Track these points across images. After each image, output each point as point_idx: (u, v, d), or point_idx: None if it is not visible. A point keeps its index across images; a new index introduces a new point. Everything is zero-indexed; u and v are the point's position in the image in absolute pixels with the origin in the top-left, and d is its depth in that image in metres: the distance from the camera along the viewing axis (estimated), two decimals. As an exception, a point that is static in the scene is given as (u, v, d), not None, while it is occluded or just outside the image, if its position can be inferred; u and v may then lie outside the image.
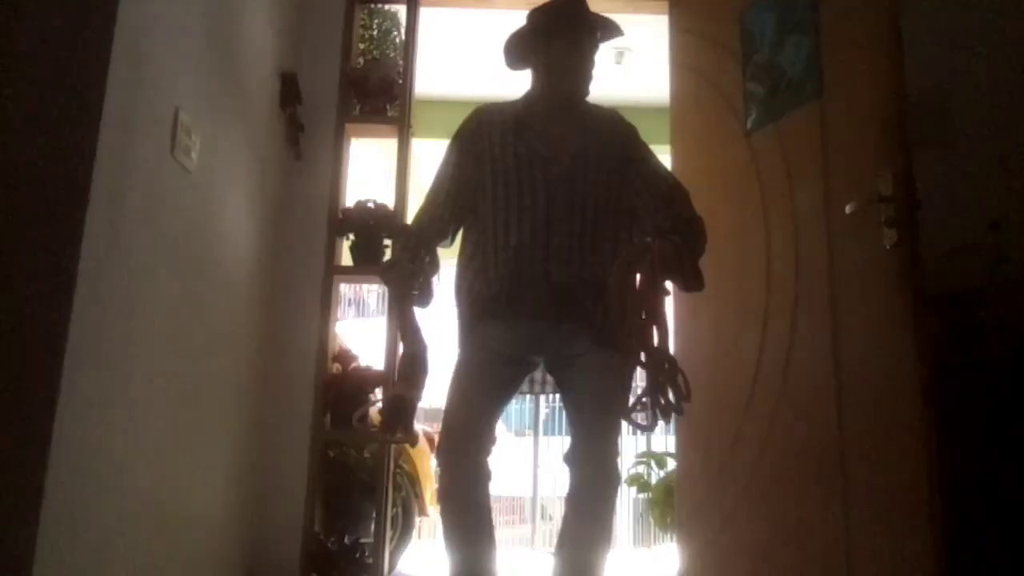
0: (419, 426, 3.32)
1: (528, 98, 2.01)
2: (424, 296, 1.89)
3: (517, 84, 2.04)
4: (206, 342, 2.22)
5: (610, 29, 2.01)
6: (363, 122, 2.93)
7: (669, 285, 1.76)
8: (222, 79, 2.29)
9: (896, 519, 1.76)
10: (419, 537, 3.82)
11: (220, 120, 2.26)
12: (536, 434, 6.49)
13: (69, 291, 1.50)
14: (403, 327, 1.86)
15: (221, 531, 2.37)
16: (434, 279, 1.93)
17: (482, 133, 1.95)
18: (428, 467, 3.40)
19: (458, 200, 1.95)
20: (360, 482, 2.76)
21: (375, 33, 3.37)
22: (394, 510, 2.91)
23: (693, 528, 2.45)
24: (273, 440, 2.65)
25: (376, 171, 3.71)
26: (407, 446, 3.13)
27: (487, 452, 1.77)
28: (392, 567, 3.00)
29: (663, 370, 1.69)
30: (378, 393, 2.72)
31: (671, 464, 4.59)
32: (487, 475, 1.76)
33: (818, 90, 2.12)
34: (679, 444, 2.61)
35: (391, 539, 2.85)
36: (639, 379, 1.83)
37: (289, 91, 2.77)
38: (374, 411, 2.77)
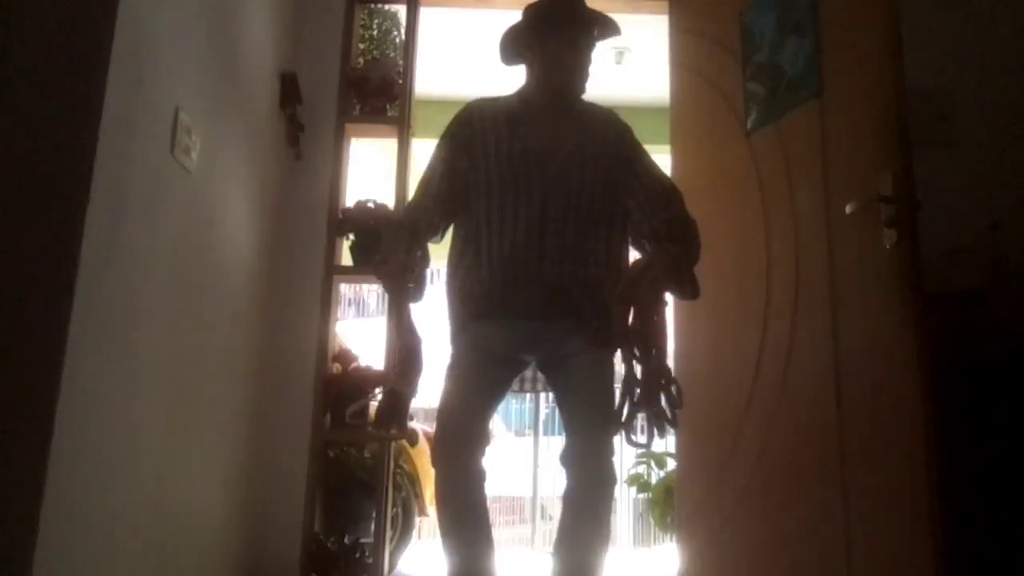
0: (419, 426, 3.32)
1: (522, 94, 1.99)
2: (418, 290, 1.87)
3: (517, 84, 2.04)
4: (206, 342, 2.22)
5: (608, 27, 2.00)
6: (363, 122, 2.92)
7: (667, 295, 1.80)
8: (222, 79, 2.29)
9: (896, 519, 1.76)
10: (419, 537, 3.82)
11: (220, 120, 2.26)
12: (536, 434, 6.49)
13: (69, 291, 1.50)
14: (398, 321, 1.85)
15: (221, 531, 2.37)
16: (426, 274, 1.91)
17: (475, 128, 1.93)
18: (428, 467, 3.40)
19: (450, 195, 1.92)
20: (360, 482, 2.76)
21: (375, 33, 3.36)
22: (394, 510, 2.91)
23: (693, 528, 2.45)
24: (273, 440, 2.66)
25: (376, 171, 3.71)
26: (407, 446, 3.13)
27: (482, 453, 1.77)
28: (392, 567, 3.00)
29: (659, 385, 1.72)
30: (377, 393, 2.72)
31: (671, 464, 4.59)
32: (483, 475, 1.76)
33: (818, 90, 2.12)
34: (679, 444, 2.61)
35: (391, 539, 2.85)
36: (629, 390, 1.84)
37: (289, 91, 2.77)
38: (373, 410, 2.77)
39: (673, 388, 1.74)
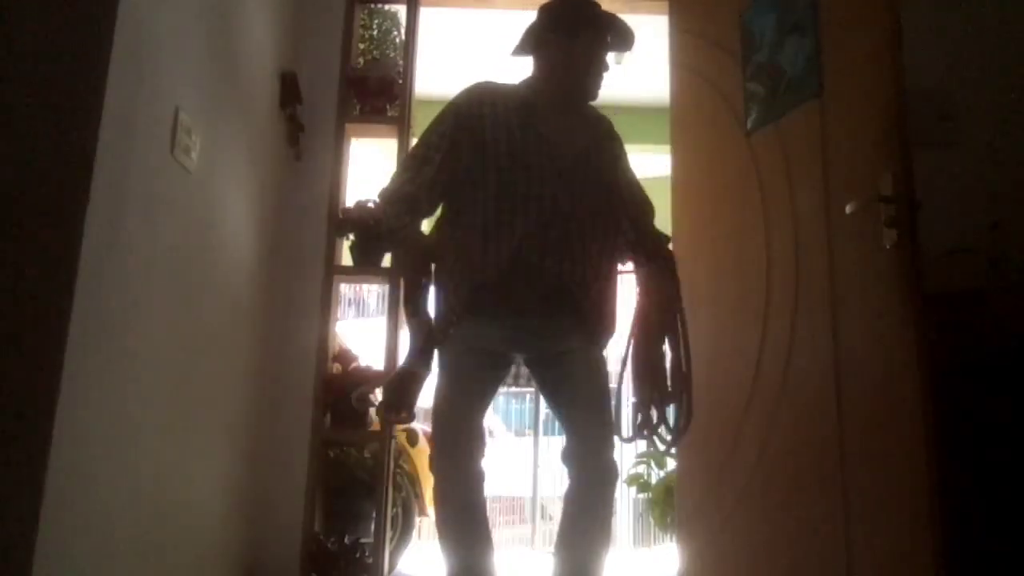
0: (419, 426, 3.32)
1: (532, 87, 1.97)
2: (430, 271, 1.88)
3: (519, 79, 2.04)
4: (206, 342, 2.22)
5: (623, 40, 2.00)
6: (363, 122, 2.92)
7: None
8: (222, 79, 2.29)
9: (896, 519, 1.76)
10: (419, 537, 3.82)
11: (220, 120, 2.26)
12: (536, 434, 6.49)
13: (69, 291, 1.50)
14: (414, 300, 1.84)
15: (221, 531, 2.37)
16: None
17: (483, 114, 1.88)
18: (428, 467, 3.40)
19: (448, 169, 1.86)
20: (360, 482, 2.76)
21: (375, 33, 3.36)
22: (394, 510, 2.91)
23: (693, 528, 2.45)
24: (273, 440, 2.66)
25: (376, 171, 3.70)
26: (407, 446, 3.13)
27: (481, 454, 1.77)
28: (392, 567, 3.00)
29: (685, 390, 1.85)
30: (378, 394, 2.72)
31: (671, 464, 4.59)
32: (482, 476, 1.76)
33: (818, 90, 2.12)
34: (679, 444, 2.61)
35: (391, 539, 2.85)
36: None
37: (289, 91, 2.77)
38: (373, 410, 2.77)
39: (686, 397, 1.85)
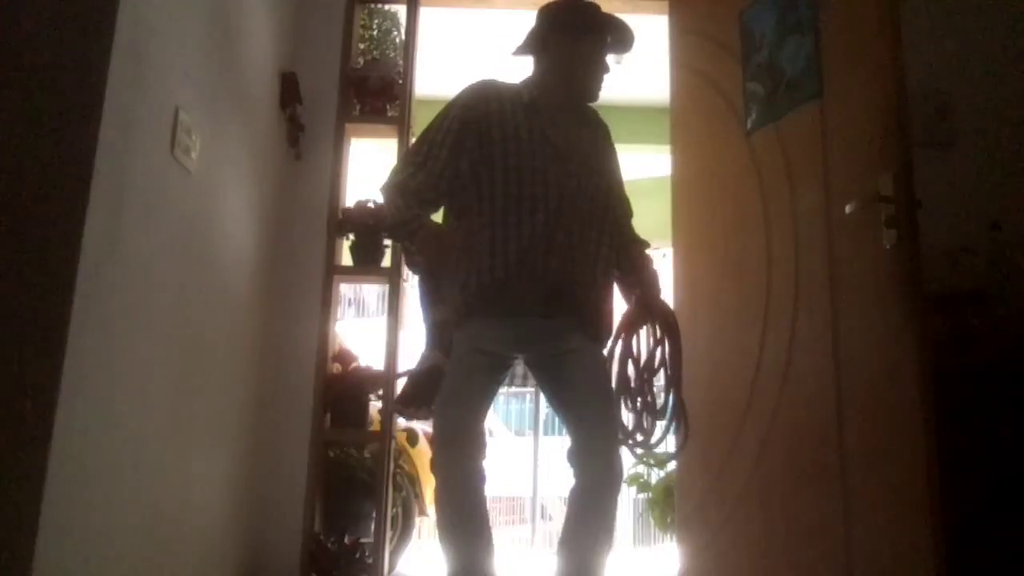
0: (420, 426, 3.32)
1: (536, 87, 1.96)
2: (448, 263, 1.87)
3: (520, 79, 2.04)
4: (206, 342, 2.22)
5: (622, 41, 2.00)
6: (363, 122, 2.92)
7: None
8: (222, 79, 2.29)
9: (896, 518, 1.76)
10: (419, 537, 3.82)
11: (220, 120, 2.26)
12: (536, 434, 6.49)
13: (69, 291, 1.50)
14: (431, 293, 1.84)
15: (221, 531, 2.37)
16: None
17: (489, 112, 1.88)
18: (428, 467, 3.40)
19: (454, 166, 1.86)
20: (360, 482, 2.76)
21: (375, 33, 3.37)
22: (394, 510, 2.91)
23: (693, 528, 2.45)
24: (273, 440, 2.65)
25: (376, 171, 3.70)
26: (407, 446, 3.13)
27: (482, 454, 1.77)
28: (392, 567, 3.00)
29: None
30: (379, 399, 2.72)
31: (671, 464, 4.59)
32: (482, 477, 1.76)
33: (818, 90, 2.12)
34: (678, 458, 2.61)
35: (391, 539, 2.85)
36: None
37: (289, 91, 2.77)
38: (374, 410, 2.77)
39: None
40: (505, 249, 1.80)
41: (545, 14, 1.98)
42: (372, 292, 8.19)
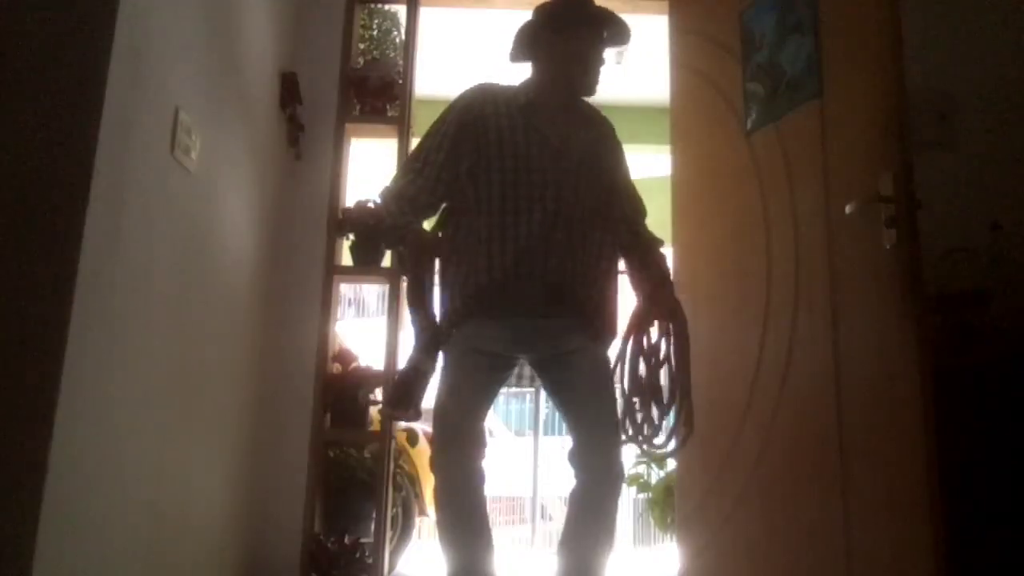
0: (420, 426, 3.32)
1: (533, 88, 1.96)
2: (434, 267, 1.89)
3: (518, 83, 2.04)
4: (206, 342, 2.22)
5: (619, 34, 1.99)
6: (363, 122, 2.92)
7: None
8: (222, 79, 2.29)
9: (896, 518, 1.76)
10: (419, 537, 3.82)
11: (220, 120, 2.26)
12: (536, 434, 6.49)
13: (69, 291, 1.50)
14: (418, 295, 1.84)
15: (221, 531, 2.37)
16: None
17: (485, 115, 1.88)
18: (428, 467, 3.40)
19: (450, 171, 1.87)
20: (360, 482, 2.76)
21: (375, 33, 3.36)
22: (394, 510, 2.91)
23: (693, 528, 2.45)
24: (273, 440, 2.65)
25: (376, 171, 3.71)
26: (407, 446, 3.13)
27: (482, 454, 1.76)
28: (392, 567, 3.00)
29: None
30: (378, 394, 2.72)
31: (671, 464, 4.59)
32: (482, 476, 1.76)
33: (818, 90, 2.12)
34: (677, 454, 2.61)
35: (391, 539, 2.84)
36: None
37: (289, 91, 2.77)
38: (373, 410, 2.77)
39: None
40: (503, 250, 1.80)
41: (537, 13, 1.97)
42: (372, 292, 8.20)
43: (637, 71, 4.62)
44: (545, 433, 6.62)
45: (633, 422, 1.87)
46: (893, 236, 1.83)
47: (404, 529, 3.22)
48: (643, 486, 5.05)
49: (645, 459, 5.07)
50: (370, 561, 2.55)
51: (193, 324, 2.12)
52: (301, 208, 2.82)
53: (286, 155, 2.82)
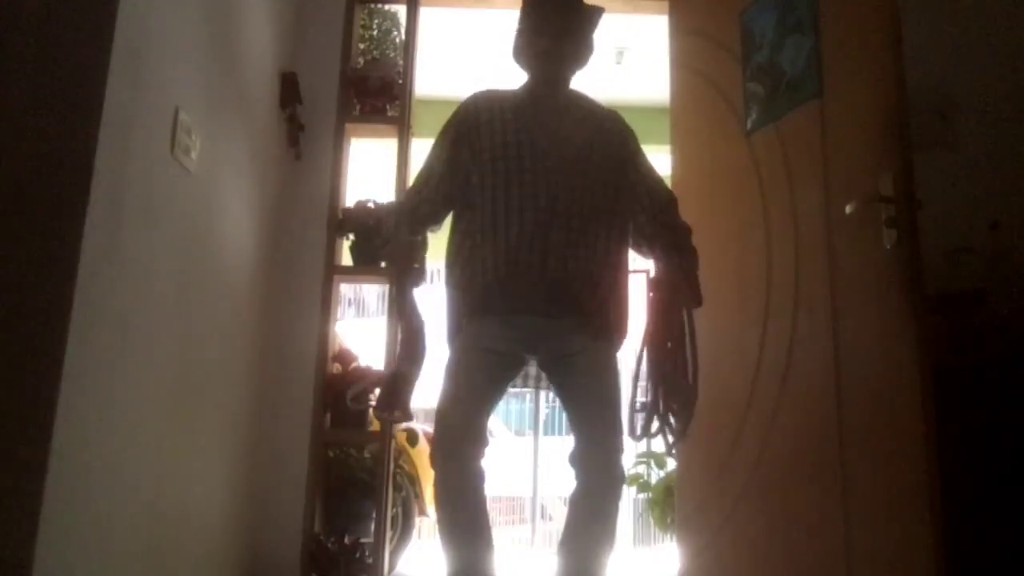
0: (419, 426, 3.32)
1: (525, 87, 1.99)
2: (422, 274, 1.91)
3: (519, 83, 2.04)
4: (206, 342, 2.22)
5: (586, 16, 1.97)
6: (363, 122, 2.93)
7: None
8: (222, 79, 2.29)
9: (896, 519, 1.76)
10: (419, 537, 3.82)
11: (220, 120, 2.26)
12: (536, 434, 6.50)
13: (69, 291, 1.50)
14: (401, 303, 1.87)
15: (221, 531, 2.37)
16: (426, 259, 1.95)
17: (479, 120, 1.92)
18: (428, 467, 3.40)
19: (450, 184, 1.92)
20: (360, 482, 2.76)
21: (375, 33, 3.37)
22: (394, 510, 2.91)
23: (693, 528, 2.45)
24: (273, 440, 2.66)
25: (376, 171, 3.71)
26: (407, 446, 3.13)
27: (482, 453, 1.76)
28: (392, 567, 3.00)
29: (681, 399, 1.82)
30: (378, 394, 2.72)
31: (671, 464, 4.59)
32: (482, 475, 1.76)
33: (818, 90, 2.12)
34: (679, 445, 2.61)
35: (391, 539, 2.85)
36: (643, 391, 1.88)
37: (289, 91, 2.77)
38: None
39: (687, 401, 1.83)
40: (495, 251, 1.82)
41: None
42: (372, 292, 8.20)
43: (637, 71, 4.63)
44: (545, 433, 6.63)
45: (652, 419, 1.84)
46: (893, 236, 1.83)
47: (404, 529, 3.22)
48: (643, 486, 5.05)
49: (645, 459, 5.08)
50: (370, 561, 2.55)
51: (193, 324, 2.12)
52: (301, 208, 2.82)
53: (286, 155, 2.82)
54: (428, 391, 1.93)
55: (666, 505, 4.58)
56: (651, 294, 1.89)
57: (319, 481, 2.65)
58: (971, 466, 1.98)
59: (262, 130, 2.64)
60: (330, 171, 2.82)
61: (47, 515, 1.44)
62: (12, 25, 1.60)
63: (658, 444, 1.94)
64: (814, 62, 2.15)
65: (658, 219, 1.93)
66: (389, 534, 2.71)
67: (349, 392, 2.58)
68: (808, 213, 2.13)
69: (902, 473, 1.75)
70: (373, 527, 2.61)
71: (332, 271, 2.77)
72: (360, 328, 6.50)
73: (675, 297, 1.85)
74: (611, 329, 1.87)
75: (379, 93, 2.90)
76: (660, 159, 2.07)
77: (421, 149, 3.40)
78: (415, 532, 3.45)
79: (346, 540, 2.56)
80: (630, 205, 1.93)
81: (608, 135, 1.97)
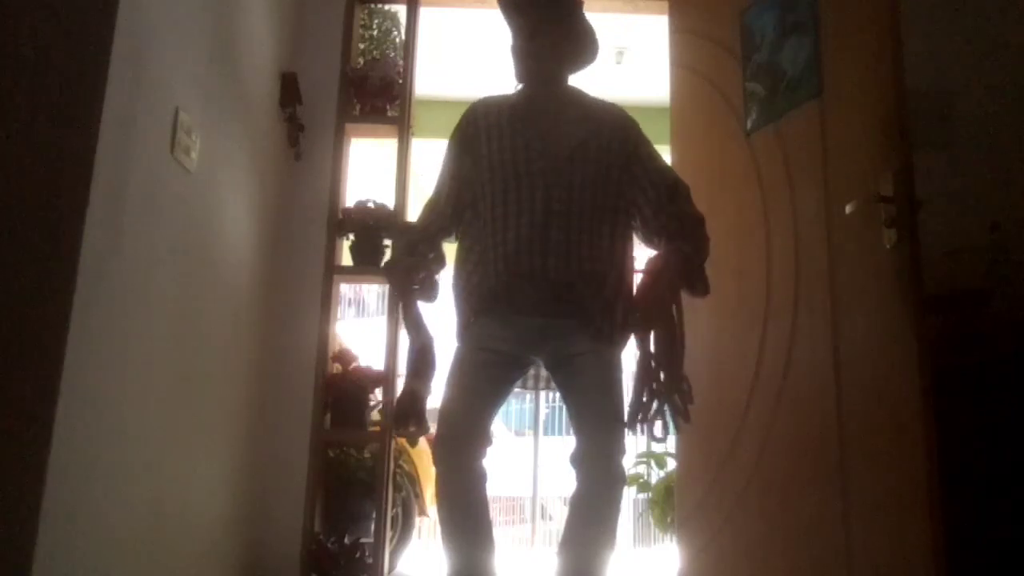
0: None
1: (522, 91, 2.00)
2: (428, 291, 1.90)
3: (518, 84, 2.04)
4: (206, 342, 2.22)
5: (549, 4, 1.95)
6: (363, 122, 2.92)
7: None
8: (222, 79, 2.29)
9: (896, 518, 1.76)
10: (419, 537, 3.83)
11: (220, 120, 2.26)
12: (536, 434, 6.50)
13: (69, 291, 1.50)
14: (408, 321, 1.87)
15: (221, 531, 2.37)
16: (437, 274, 1.94)
17: (478, 128, 1.93)
18: (428, 467, 3.40)
19: (459, 196, 1.94)
20: (360, 482, 2.76)
21: (375, 33, 3.37)
22: (394, 510, 2.91)
23: (693, 528, 2.45)
24: (273, 440, 2.66)
25: (376, 171, 3.71)
26: (407, 446, 3.13)
27: (483, 453, 1.76)
28: (392, 567, 3.00)
29: (680, 380, 1.78)
30: (378, 394, 2.72)
31: (671, 464, 4.59)
32: (483, 475, 1.76)
33: (818, 90, 2.12)
34: (679, 444, 2.61)
35: (391, 539, 2.85)
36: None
37: (289, 91, 2.77)
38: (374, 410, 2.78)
39: (685, 384, 1.79)
40: (494, 257, 1.83)
41: None
42: (372, 292, 8.20)
43: (637, 71, 4.63)
44: (545, 433, 6.63)
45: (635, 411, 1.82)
46: (893, 236, 1.83)
47: (404, 529, 3.22)
48: (643, 486, 5.05)
49: (645, 459, 5.08)
50: (370, 561, 2.55)
51: (193, 324, 2.12)
52: (301, 208, 2.82)
53: (286, 155, 2.82)
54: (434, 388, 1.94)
55: (666, 505, 4.58)
56: (643, 277, 1.87)
57: (319, 481, 2.65)
58: (971, 466, 1.98)
59: (262, 130, 2.64)
60: (330, 171, 2.82)
61: (47, 515, 1.44)
62: (12, 25, 1.60)
63: (657, 444, 1.93)
64: (814, 62, 2.15)
65: (665, 210, 1.88)
66: (389, 534, 2.70)
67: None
68: (808, 213, 2.13)
69: (902, 473, 1.75)
70: (373, 527, 2.61)
71: (332, 271, 2.77)
72: (360, 328, 6.50)
73: (661, 278, 1.81)
74: (615, 331, 1.85)
75: (379, 93, 2.90)
76: (661, 154, 2.06)
77: (421, 149, 3.42)
78: (415, 532, 3.45)
79: (346, 540, 2.56)
80: (635, 199, 1.91)
81: (608, 130, 1.94)
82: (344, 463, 2.81)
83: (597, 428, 1.79)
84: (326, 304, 2.73)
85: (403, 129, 2.86)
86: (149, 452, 1.88)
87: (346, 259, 2.88)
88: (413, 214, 2.09)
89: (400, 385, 2.65)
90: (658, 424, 1.81)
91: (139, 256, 1.80)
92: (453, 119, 2.05)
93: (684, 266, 1.81)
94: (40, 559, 1.42)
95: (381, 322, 2.84)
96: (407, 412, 1.83)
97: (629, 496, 5.71)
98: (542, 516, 6.28)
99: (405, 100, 2.90)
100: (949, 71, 2.67)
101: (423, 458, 3.37)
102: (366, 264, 2.81)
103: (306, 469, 2.61)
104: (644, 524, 5.75)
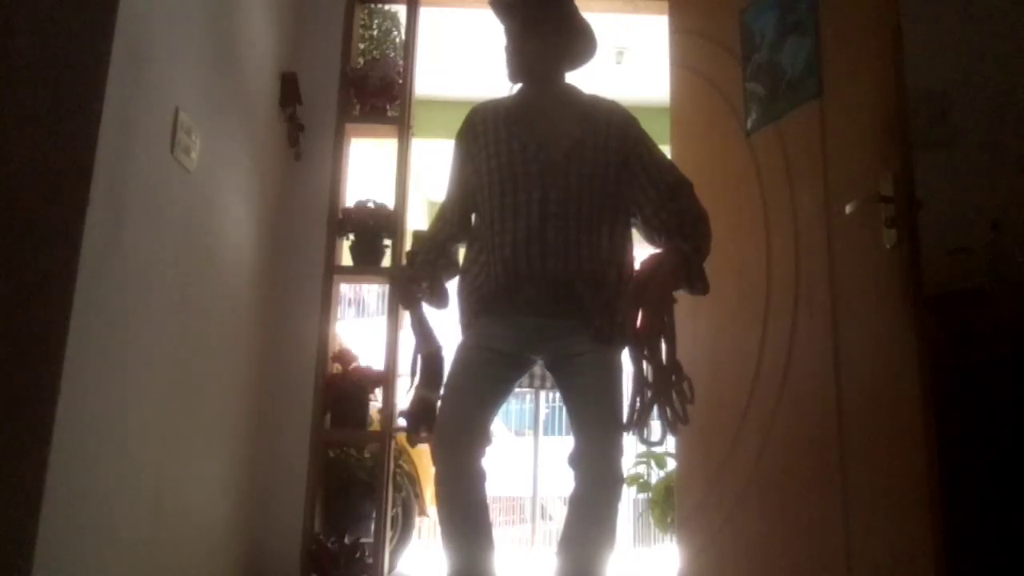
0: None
1: (518, 93, 2.01)
2: (436, 298, 1.92)
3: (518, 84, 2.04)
4: (206, 342, 2.22)
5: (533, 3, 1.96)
6: (363, 122, 2.93)
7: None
8: (222, 79, 2.29)
9: (896, 518, 1.76)
10: (419, 537, 3.83)
11: (220, 120, 2.26)
12: (536, 434, 6.49)
13: (69, 291, 1.50)
14: (415, 330, 1.89)
15: (221, 531, 2.37)
16: (448, 280, 1.96)
17: (476, 133, 1.95)
18: (428, 467, 3.40)
19: (464, 202, 1.97)
20: (360, 482, 2.76)
21: (375, 33, 3.37)
22: (394, 510, 2.91)
23: (693, 528, 2.45)
24: (273, 440, 2.66)
25: (376, 171, 3.71)
26: (407, 446, 3.13)
27: (483, 452, 1.76)
28: (392, 567, 3.00)
29: (672, 383, 1.75)
30: (378, 394, 2.72)
31: (671, 464, 4.59)
32: (482, 474, 1.75)
33: (818, 90, 2.12)
34: (679, 444, 2.61)
35: (391, 539, 2.85)
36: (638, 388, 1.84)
37: (289, 91, 2.77)
38: (374, 410, 2.78)
39: (685, 384, 1.77)
40: (493, 259, 1.84)
41: None
42: (372, 292, 8.20)
43: (637, 71, 4.63)
44: (545, 433, 6.63)
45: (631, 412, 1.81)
46: (893, 236, 1.83)
47: (404, 529, 3.22)
48: (643, 486, 5.05)
49: (645, 459, 5.08)
50: (370, 561, 2.55)
51: (193, 324, 2.12)
52: (301, 208, 2.82)
53: (286, 155, 2.82)
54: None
55: (666, 505, 4.58)
56: (635, 275, 1.86)
57: (319, 481, 2.65)
58: (971, 466, 1.98)
59: (262, 130, 2.64)
60: (330, 171, 2.82)
61: (47, 515, 1.44)
62: (13, 25, 1.60)
63: (658, 445, 1.92)
64: (814, 62, 2.15)
65: (666, 208, 1.86)
66: (389, 534, 2.71)
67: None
68: (808, 213, 2.13)
69: (902, 473, 1.75)
70: (373, 527, 2.61)
71: (332, 271, 2.77)
72: (360, 328, 6.50)
73: (654, 275, 1.78)
74: (614, 331, 1.84)
75: (379, 93, 2.90)
76: (662, 150, 2.05)
77: (421, 149, 3.42)
78: (415, 532, 3.45)
79: (346, 540, 2.56)
80: (635, 198, 1.90)
81: (605, 128, 1.92)
82: (344, 463, 2.81)
83: (596, 429, 1.78)
84: (326, 304, 2.73)
85: (403, 129, 2.86)
86: (149, 452, 1.88)
87: (346, 259, 2.88)
88: (413, 214, 2.10)
89: (400, 385, 2.68)
90: (656, 427, 1.80)
91: (139, 256, 1.80)
92: (453, 119, 2.06)
93: (681, 265, 1.79)
94: (40, 559, 1.42)
95: (381, 322, 2.84)
96: (420, 419, 1.85)
97: (629, 496, 5.70)
98: (542, 516, 6.28)
99: (405, 100, 2.90)
100: (949, 71, 2.67)
101: (423, 458, 3.37)
102: (366, 264, 2.81)
103: (306, 469, 2.61)
104: (644, 524, 5.75)
